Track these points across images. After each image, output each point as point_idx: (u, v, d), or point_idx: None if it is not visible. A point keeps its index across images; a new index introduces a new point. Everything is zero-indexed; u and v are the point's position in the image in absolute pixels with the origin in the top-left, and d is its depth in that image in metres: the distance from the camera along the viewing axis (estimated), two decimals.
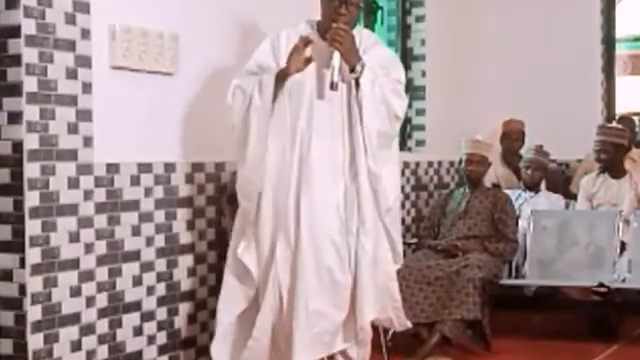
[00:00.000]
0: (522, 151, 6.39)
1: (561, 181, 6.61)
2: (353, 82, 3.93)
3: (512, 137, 6.55)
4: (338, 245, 3.92)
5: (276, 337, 3.98)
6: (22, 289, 3.68)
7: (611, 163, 5.90)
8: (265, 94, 3.89)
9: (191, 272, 4.51)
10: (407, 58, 6.72)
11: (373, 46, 4.07)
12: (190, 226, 4.51)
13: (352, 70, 3.89)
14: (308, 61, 3.88)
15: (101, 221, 4.01)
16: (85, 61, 3.92)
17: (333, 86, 3.83)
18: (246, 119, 3.93)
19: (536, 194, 6.05)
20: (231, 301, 4.04)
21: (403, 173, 6.37)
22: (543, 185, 6.18)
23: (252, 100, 3.91)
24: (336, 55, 3.84)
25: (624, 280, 5.39)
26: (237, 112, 3.97)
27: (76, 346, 3.89)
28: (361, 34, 4.08)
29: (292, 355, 3.86)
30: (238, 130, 3.97)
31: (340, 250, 3.93)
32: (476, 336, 5.09)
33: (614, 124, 6.10)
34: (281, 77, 3.90)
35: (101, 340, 4.01)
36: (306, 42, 3.88)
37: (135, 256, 4.19)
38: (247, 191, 3.98)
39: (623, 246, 5.55)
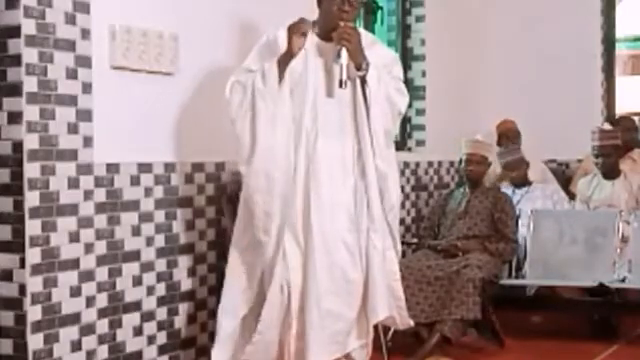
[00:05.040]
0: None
1: (561, 181, 6.61)
2: (358, 80, 3.95)
3: (509, 135, 6.54)
4: (349, 244, 3.92)
5: (282, 337, 3.96)
6: (22, 289, 3.68)
7: (611, 165, 5.92)
8: (269, 78, 3.89)
9: (191, 272, 4.51)
10: (407, 58, 6.72)
11: (372, 45, 4.08)
12: (190, 226, 4.51)
13: (358, 68, 3.91)
14: (304, 35, 3.91)
15: (101, 221, 4.01)
16: (85, 61, 3.92)
17: (342, 84, 3.85)
18: (253, 108, 3.89)
19: (529, 188, 6.06)
20: (233, 305, 4.03)
21: (403, 173, 6.37)
22: (532, 176, 6.17)
23: (255, 87, 3.90)
24: (344, 53, 3.85)
25: (624, 280, 5.39)
26: (237, 105, 3.94)
27: (76, 346, 3.89)
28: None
29: (307, 356, 3.86)
30: (241, 122, 3.91)
31: (351, 248, 3.92)
32: (485, 335, 5.08)
33: (607, 126, 6.09)
34: (283, 62, 3.91)
35: (101, 340, 4.01)
36: (301, 22, 3.89)
37: (135, 256, 4.19)
38: (263, 185, 3.87)
39: (623, 246, 5.55)
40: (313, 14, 4.11)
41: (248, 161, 3.92)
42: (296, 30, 3.91)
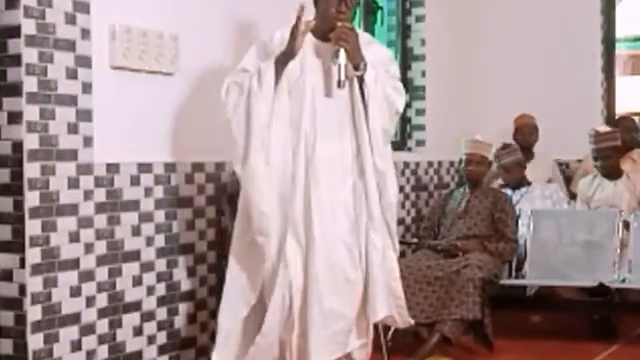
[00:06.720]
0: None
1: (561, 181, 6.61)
2: (356, 80, 3.95)
3: (525, 130, 6.50)
4: (349, 244, 3.92)
5: (284, 337, 3.96)
6: (22, 289, 3.68)
7: (612, 166, 5.92)
8: (265, 79, 3.86)
9: (191, 272, 4.51)
10: (407, 58, 6.73)
11: (368, 44, 4.08)
12: (190, 226, 4.51)
13: (356, 68, 3.91)
14: (304, 33, 3.86)
15: (101, 221, 4.01)
16: (85, 61, 3.92)
17: (340, 84, 3.85)
18: (248, 109, 3.87)
19: (528, 188, 6.05)
20: (234, 306, 4.02)
21: (403, 173, 6.38)
22: (542, 173, 6.16)
23: (251, 88, 3.88)
24: (342, 53, 3.85)
25: (624, 280, 5.39)
26: (232, 106, 3.92)
27: (76, 346, 3.89)
28: None
29: (309, 355, 3.86)
30: (236, 123, 3.90)
31: (351, 248, 3.92)
32: (478, 337, 5.08)
33: (605, 128, 6.09)
34: (281, 61, 3.89)
35: (101, 340, 4.01)
36: (302, 21, 3.84)
37: (135, 256, 4.19)
38: (257, 185, 3.86)
39: (623, 246, 5.55)
40: (311, 14, 4.11)
41: (243, 161, 3.90)
42: (298, 31, 3.86)
